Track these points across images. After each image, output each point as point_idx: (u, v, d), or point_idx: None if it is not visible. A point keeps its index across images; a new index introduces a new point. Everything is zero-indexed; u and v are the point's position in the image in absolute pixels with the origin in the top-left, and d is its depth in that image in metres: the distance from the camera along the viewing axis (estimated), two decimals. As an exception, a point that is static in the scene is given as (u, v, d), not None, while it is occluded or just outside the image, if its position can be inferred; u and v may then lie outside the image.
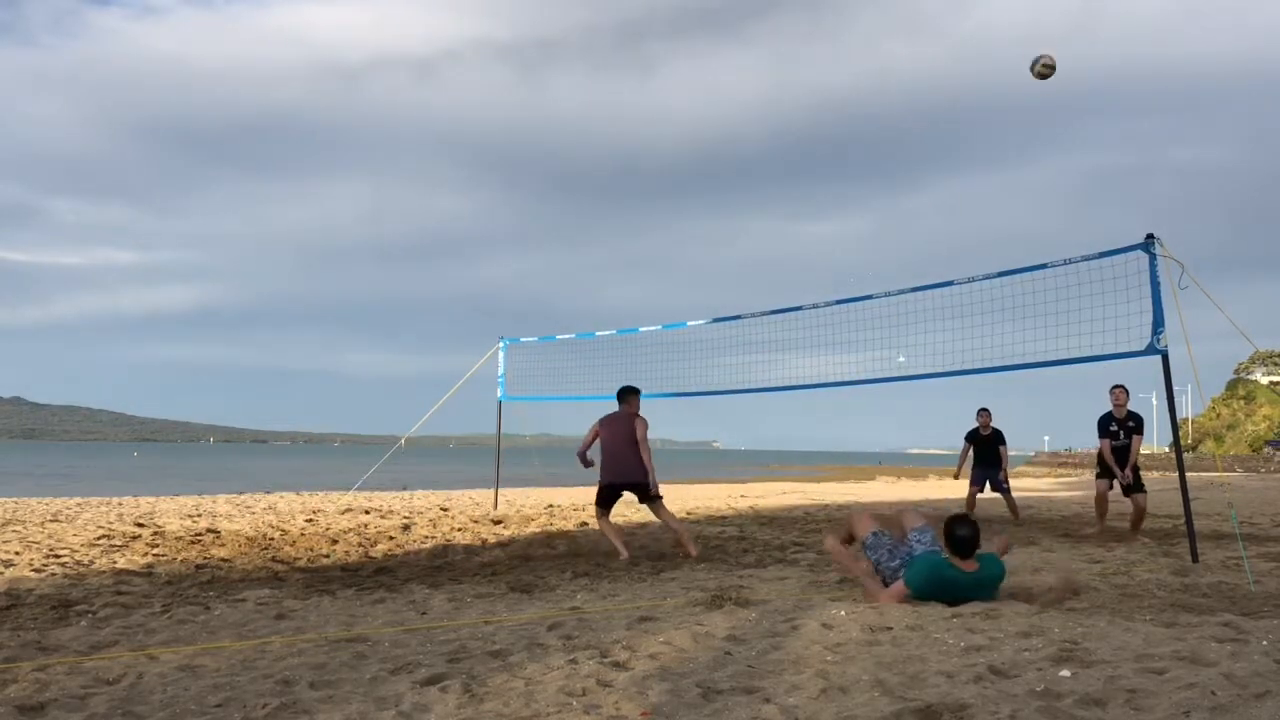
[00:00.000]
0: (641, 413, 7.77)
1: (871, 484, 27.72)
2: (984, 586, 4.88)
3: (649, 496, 7.58)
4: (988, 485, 10.98)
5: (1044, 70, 7.41)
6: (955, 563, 4.83)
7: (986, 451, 11.03)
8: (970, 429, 11.19)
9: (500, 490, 14.24)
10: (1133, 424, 9.10)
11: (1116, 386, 9.17)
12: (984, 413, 11.09)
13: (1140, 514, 9.10)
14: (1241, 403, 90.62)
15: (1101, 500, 9.37)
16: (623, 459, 7.53)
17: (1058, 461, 68.00)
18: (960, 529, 4.82)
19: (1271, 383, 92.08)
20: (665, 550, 7.86)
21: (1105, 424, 9.19)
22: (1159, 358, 7.17)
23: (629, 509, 13.25)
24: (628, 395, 7.79)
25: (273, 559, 7.32)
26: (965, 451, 11.25)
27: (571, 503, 14.49)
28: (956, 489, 22.61)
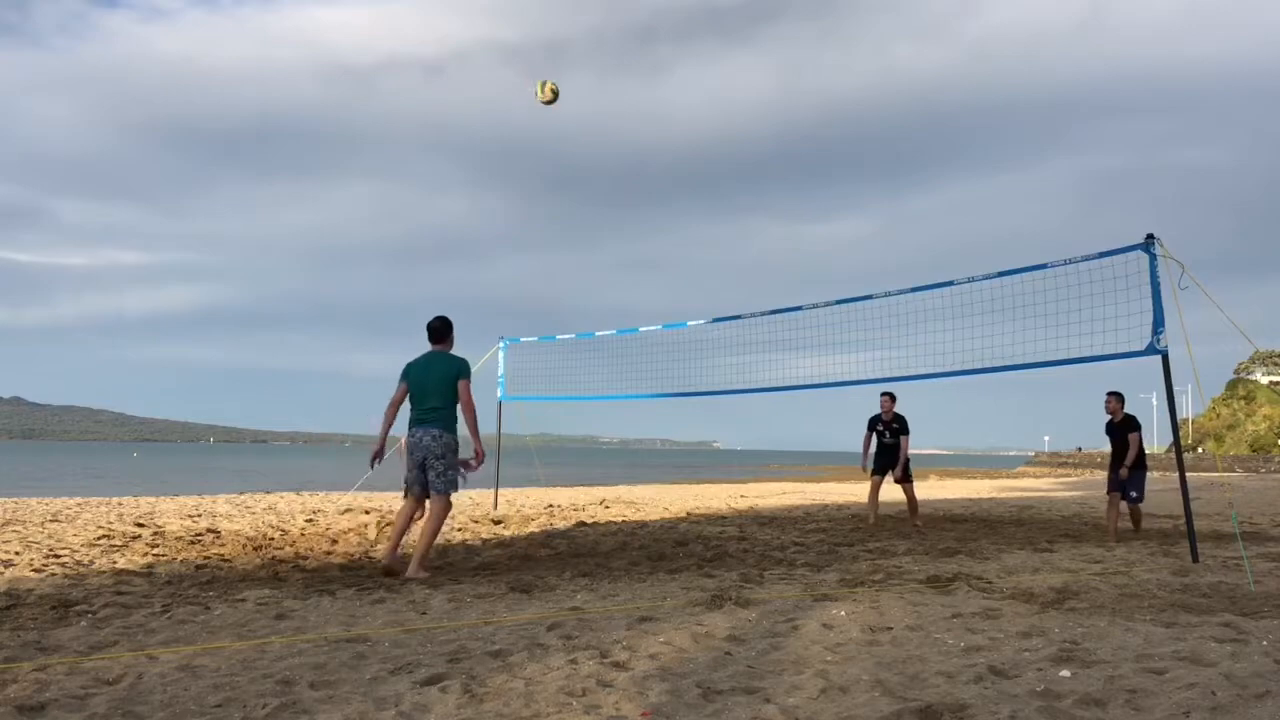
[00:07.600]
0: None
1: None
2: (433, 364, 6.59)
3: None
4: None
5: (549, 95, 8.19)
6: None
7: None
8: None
9: (500, 490, 14.23)
10: (897, 425, 10.40)
11: (884, 394, 10.28)
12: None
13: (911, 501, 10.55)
14: (1241, 403, 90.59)
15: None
16: None
17: (1058, 461, 67.98)
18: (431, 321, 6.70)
19: (1271, 383, 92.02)
20: (665, 550, 7.86)
21: (872, 423, 10.56)
22: (1159, 358, 7.18)
23: (629, 509, 13.26)
24: None
25: (273, 559, 7.32)
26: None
27: (571, 503, 14.49)
28: (956, 489, 22.61)
